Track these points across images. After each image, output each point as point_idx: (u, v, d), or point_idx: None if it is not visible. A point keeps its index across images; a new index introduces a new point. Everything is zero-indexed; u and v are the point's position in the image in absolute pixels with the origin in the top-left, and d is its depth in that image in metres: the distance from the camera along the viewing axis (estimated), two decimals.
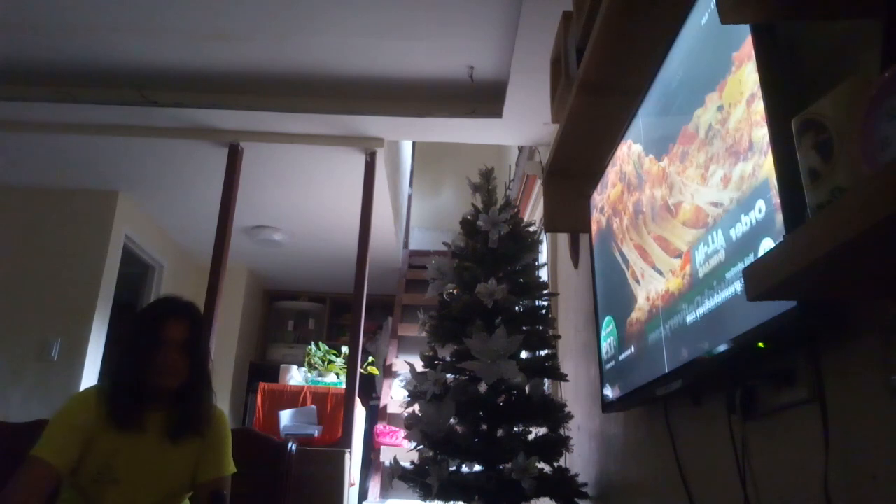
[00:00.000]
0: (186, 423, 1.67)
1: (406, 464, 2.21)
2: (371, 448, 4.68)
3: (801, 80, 1.02)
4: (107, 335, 4.15)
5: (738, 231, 1.05)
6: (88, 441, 1.58)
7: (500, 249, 2.28)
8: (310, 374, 4.50)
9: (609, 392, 1.84)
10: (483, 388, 2.13)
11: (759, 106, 0.99)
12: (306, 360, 4.58)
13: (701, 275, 1.19)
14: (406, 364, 2.43)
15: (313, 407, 3.97)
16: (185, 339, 1.67)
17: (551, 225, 2.45)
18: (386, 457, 4.57)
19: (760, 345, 1.00)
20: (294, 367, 4.65)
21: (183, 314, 1.72)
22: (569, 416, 2.19)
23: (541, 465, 2.03)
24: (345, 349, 4.08)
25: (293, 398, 4.05)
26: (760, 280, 0.71)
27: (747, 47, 1.03)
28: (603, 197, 1.93)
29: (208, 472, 1.71)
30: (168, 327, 1.66)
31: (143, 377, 1.63)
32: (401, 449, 4.28)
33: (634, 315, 1.59)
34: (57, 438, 1.56)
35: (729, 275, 1.07)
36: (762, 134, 0.98)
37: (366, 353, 4.81)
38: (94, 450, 1.59)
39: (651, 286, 1.47)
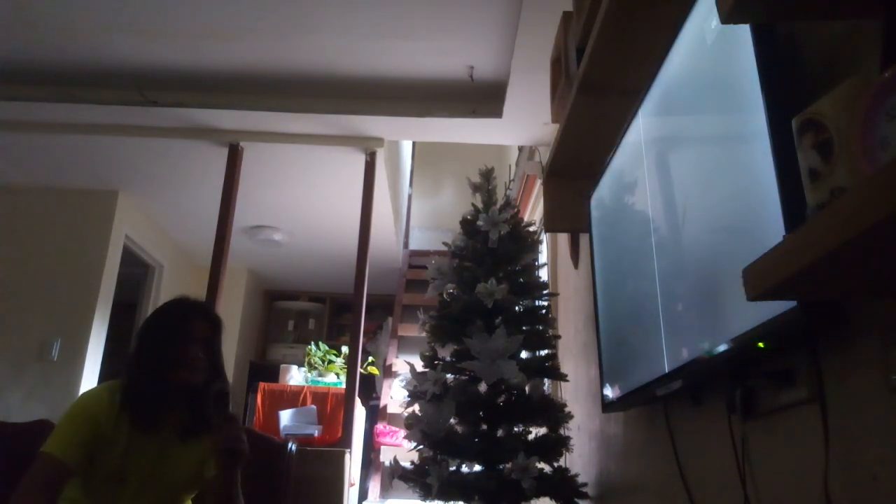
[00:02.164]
0: (199, 423, 1.66)
1: (406, 464, 2.21)
2: (371, 448, 4.68)
3: (801, 80, 1.02)
4: (107, 335, 4.15)
5: None
6: (100, 439, 1.57)
7: (500, 249, 2.27)
8: (310, 374, 4.50)
9: (609, 392, 1.84)
10: (483, 388, 2.13)
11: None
12: (306, 360, 4.58)
13: None
14: (406, 364, 2.43)
15: (313, 407, 3.97)
16: (208, 337, 1.69)
17: (551, 225, 2.45)
18: (386, 457, 4.57)
19: (760, 345, 1.00)
20: (294, 367, 4.65)
21: (207, 313, 1.75)
22: (569, 416, 2.19)
23: (541, 464, 2.03)
24: (345, 349, 4.08)
25: (293, 398, 4.05)
26: (760, 280, 0.71)
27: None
28: None
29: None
30: (196, 324, 1.68)
31: (171, 373, 1.62)
32: (401, 449, 4.28)
33: None
34: (68, 435, 1.55)
35: None
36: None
37: (366, 353, 4.81)
38: (105, 449, 1.57)
39: None
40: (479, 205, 2.39)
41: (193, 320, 1.68)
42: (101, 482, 1.58)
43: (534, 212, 3.96)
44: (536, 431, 2.21)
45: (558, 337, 2.41)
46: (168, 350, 1.64)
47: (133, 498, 1.60)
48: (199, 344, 1.66)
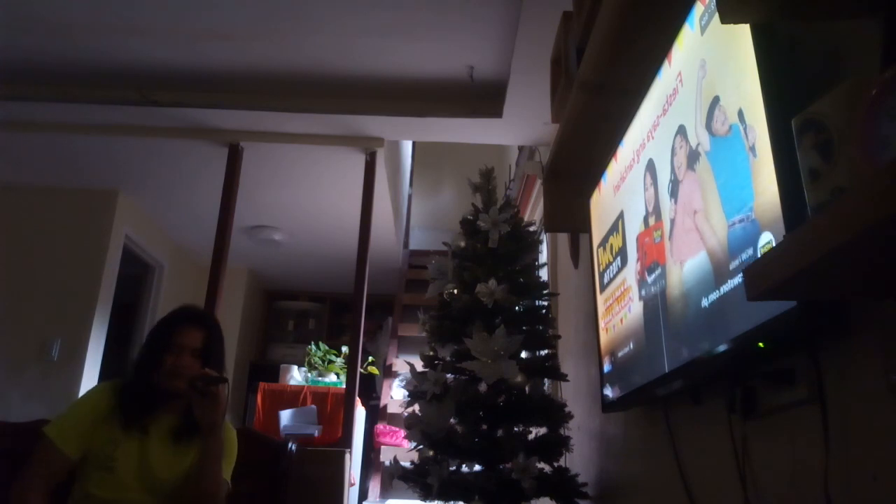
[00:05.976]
0: (191, 428, 1.68)
1: (406, 464, 2.21)
2: (371, 448, 4.68)
3: (801, 80, 1.02)
4: (107, 335, 4.15)
5: None
6: (97, 429, 1.65)
7: (500, 249, 2.27)
8: (310, 374, 4.50)
9: (609, 392, 1.84)
10: (483, 388, 2.13)
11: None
12: (306, 360, 4.58)
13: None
14: (406, 364, 2.43)
15: (313, 407, 3.97)
16: (199, 346, 1.72)
17: (551, 225, 2.45)
18: (386, 457, 4.57)
19: (760, 345, 1.00)
20: (294, 367, 4.65)
21: (198, 322, 1.77)
22: (569, 416, 2.19)
23: (541, 465, 2.03)
24: (345, 349, 4.08)
25: (293, 398, 4.05)
26: (760, 280, 0.71)
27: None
28: None
29: None
30: (181, 333, 1.71)
31: (152, 379, 1.68)
32: (401, 449, 4.28)
33: None
34: (71, 425, 1.64)
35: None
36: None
37: (366, 353, 4.81)
38: (99, 436, 1.65)
39: None
40: (479, 205, 2.39)
41: (180, 329, 1.72)
42: (93, 468, 1.64)
43: (534, 212, 3.96)
44: (536, 431, 2.21)
45: (558, 337, 2.41)
46: (153, 357, 1.69)
47: (122, 488, 1.64)
48: (187, 352, 1.69)
